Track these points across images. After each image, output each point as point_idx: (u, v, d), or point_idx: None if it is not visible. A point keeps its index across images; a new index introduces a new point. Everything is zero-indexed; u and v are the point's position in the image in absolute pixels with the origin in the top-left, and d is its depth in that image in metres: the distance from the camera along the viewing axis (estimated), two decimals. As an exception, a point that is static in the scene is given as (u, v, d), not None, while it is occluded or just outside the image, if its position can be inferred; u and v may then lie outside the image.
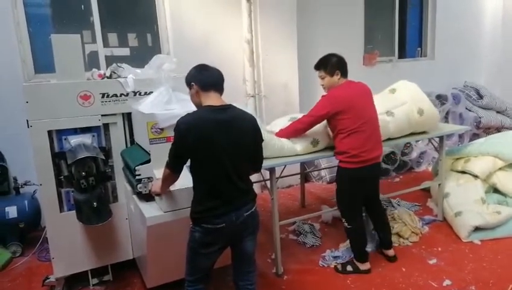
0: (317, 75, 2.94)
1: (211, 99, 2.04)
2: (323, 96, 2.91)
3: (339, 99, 2.81)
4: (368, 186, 3.00)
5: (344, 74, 2.90)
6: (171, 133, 2.40)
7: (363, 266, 3.02)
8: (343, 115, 2.79)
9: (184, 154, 2.01)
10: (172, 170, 2.08)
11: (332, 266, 3.14)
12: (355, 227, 2.98)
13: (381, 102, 3.24)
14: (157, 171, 2.39)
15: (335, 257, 3.24)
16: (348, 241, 3.20)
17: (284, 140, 3.00)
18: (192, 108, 2.21)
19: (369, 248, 3.24)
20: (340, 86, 2.87)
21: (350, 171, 2.85)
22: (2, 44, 3.69)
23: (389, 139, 3.38)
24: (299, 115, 3.11)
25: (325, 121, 2.96)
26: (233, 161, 1.99)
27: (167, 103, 2.62)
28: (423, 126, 3.57)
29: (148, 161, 2.47)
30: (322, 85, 2.95)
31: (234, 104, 2.10)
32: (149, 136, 2.42)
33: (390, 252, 3.19)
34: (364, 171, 2.84)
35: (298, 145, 3.03)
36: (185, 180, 2.20)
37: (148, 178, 2.45)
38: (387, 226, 3.24)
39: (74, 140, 2.68)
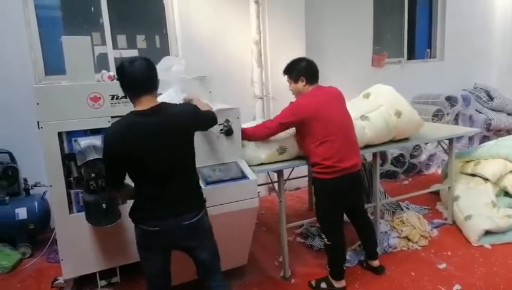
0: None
1: (141, 104, 1.93)
2: (290, 103, 2.80)
3: (304, 107, 2.67)
4: (348, 198, 2.82)
5: (311, 80, 2.75)
6: None
7: (338, 284, 2.84)
8: (311, 123, 2.64)
9: (116, 166, 1.96)
10: (113, 188, 2.10)
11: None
12: (336, 243, 2.78)
13: (355, 107, 3.11)
14: None
15: (343, 260, 3.21)
16: (357, 243, 3.17)
17: (247, 149, 2.85)
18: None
19: (349, 263, 3.13)
20: (307, 93, 2.74)
21: (327, 182, 2.67)
22: (13, 46, 3.73)
23: (394, 140, 3.29)
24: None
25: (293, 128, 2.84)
26: (167, 166, 1.95)
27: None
28: (404, 130, 3.36)
29: None
30: (291, 90, 2.86)
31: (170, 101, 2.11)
32: None
33: (375, 263, 3.04)
34: (342, 181, 2.66)
35: (262, 153, 2.87)
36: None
37: None
38: (373, 236, 3.09)
39: (84, 142, 2.69)
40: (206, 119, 2.26)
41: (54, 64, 3.95)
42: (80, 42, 2.74)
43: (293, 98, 2.89)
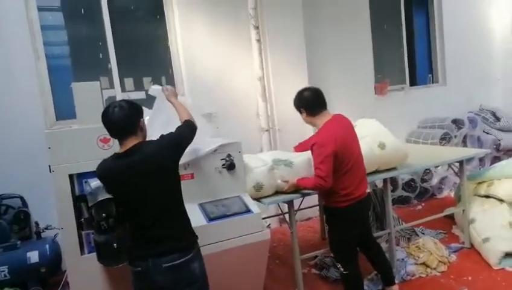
0: None
1: (124, 145, 2.01)
2: (313, 144, 2.63)
3: (330, 140, 2.57)
4: (359, 223, 2.81)
5: (313, 110, 2.70)
6: (183, 172, 2.48)
7: None
8: (336, 155, 2.56)
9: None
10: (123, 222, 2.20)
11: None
12: (352, 271, 2.74)
13: None
14: None
15: (360, 291, 3.13)
16: (373, 273, 3.09)
17: None
18: (203, 145, 2.29)
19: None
20: (330, 122, 2.67)
21: (342, 210, 2.66)
22: (26, 94, 3.88)
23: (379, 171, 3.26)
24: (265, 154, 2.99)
25: (267, 165, 2.80)
26: (146, 205, 1.97)
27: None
28: (390, 161, 3.32)
29: None
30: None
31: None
32: None
33: (395, 288, 2.99)
34: (354, 208, 2.66)
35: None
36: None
37: None
38: (386, 260, 3.03)
39: (94, 183, 2.72)
40: (183, 138, 2.16)
41: (64, 109, 4.08)
42: (89, 87, 2.83)
43: (307, 131, 2.89)
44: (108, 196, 2.51)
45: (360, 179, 2.72)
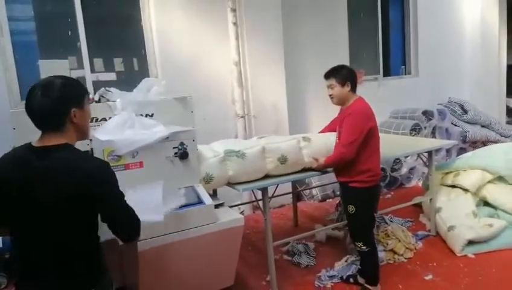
0: (326, 84, 2.83)
1: (42, 139, 1.51)
2: (349, 114, 2.71)
3: (371, 114, 2.73)
4: (376, 203, 2.98)
5: (354, 88, 2.81)
6: (130, 160, 2.39)
7: (376, 289, 2.93)
8: (371, 132, 2.70)
9: None
10: None
11: (329, 286, 3.09)
12: (374, 249, 2.87)
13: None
14: None
15: (331, 277, 3.19)
16: (350, 259, 3.16)
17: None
18: (153, 132, 2.13)
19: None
20: (362, 100, 2.79)
21: (368, 190, 2.77)
22: (-12, 71, 3.66)
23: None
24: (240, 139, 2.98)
25: (218, 156, 2.76)
26: (35, 228, 1.44)
27: (129, 127, 2.50)
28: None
29: None
30: (331, 95, 2.83)
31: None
32: None
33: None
34: (377, 188, 2.85)
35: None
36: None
37: None
38: None
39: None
40: (117, 209, 1.53)
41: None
42: (58, 65, 2.73)
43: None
44: None
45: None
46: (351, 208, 2.82)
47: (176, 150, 2.53)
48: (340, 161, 2.76)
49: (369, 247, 2.84)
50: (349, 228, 2.96)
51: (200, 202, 2.46)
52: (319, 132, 3.39)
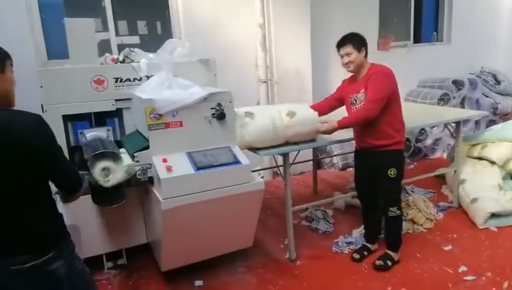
0: (341, 53, 2.72)
1: None
2: (374, 73, 2.65)
3: (394, 77, 2.72)
4: None
5: (367, 53, 2.75)
6: (171, 119, 2.41)
7: (397, 256, 2.95)
8: (396, 93, 2.73)
9: None
10: None
11: (346, 252, 3.12)
12: (402, 213, 2.94)
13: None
14: (155, 157, 2.39)
15: (348, 243, 3.22)
16: (362, 227, 3.17)
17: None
18: (192, 93, 2.11)
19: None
20: (379, 64, 2.77)
21: (402, 152, 2.88)
22: (15, 31, 3.69)
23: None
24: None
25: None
26: None
27: (168, 87, 2.57)
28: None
29: (147, 147, 2.44)
30: (347, 63, 2.71)
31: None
32: (147, 122, 2.38)
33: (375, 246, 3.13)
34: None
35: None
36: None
37: (148, 164, 2.44)
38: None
39: (90, 134, 2.70)
40: (59, 159, 1.54)
41: (55, 49, 3.91)
42: (83, 24, 2.72)
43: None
44: (102, 149, 2.46)
45: None
46: (393, 172, 2.75)
47: (213, 110, 2.55)
48: (364, 120, 2.66)
49: (401, 211, 2.89)
50: (388, 193, 2.85)
51: (236, 161, 2.51)
52: (312, 106, 3.11)
